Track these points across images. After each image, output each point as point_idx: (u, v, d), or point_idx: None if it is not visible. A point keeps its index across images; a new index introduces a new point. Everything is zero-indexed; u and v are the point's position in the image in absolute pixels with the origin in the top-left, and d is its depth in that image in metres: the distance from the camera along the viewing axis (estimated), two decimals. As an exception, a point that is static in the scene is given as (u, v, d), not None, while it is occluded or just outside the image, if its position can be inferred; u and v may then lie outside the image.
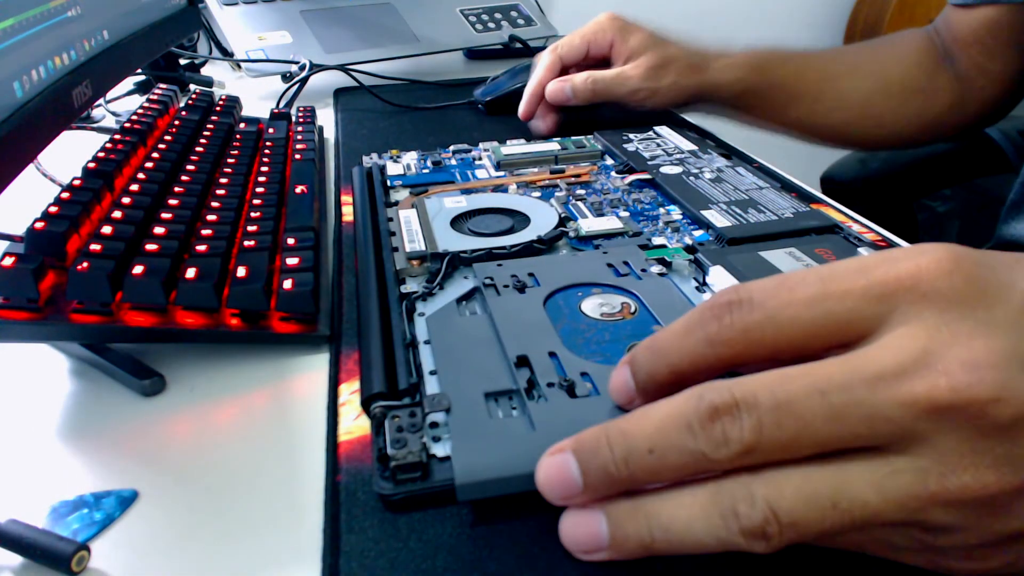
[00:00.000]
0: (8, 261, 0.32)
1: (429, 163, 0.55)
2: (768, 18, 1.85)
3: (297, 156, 0.53)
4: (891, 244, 0.42)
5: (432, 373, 0.30)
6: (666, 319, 0.33)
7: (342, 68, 0.79)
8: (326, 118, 0.72)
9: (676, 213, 0.45)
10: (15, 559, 0.24)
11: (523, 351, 0.30)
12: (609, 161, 0.55)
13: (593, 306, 0.34)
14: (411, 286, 0.37)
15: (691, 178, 0.49)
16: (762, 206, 0.44)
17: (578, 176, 0.51)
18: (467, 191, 0.49)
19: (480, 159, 0.55)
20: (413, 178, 0.52)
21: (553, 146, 0.55)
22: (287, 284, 0.35)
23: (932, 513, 0.19)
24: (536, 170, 0.53)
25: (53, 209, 0.38)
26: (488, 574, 0.23)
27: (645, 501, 0.21)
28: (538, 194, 0.48)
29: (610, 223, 0.43)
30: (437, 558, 0.24)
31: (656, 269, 0.37)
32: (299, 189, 0.47)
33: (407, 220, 0.43)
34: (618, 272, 0.37)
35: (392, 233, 0.42)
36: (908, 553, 0.21)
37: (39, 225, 0.36)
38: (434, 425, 0.27)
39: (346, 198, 0.51)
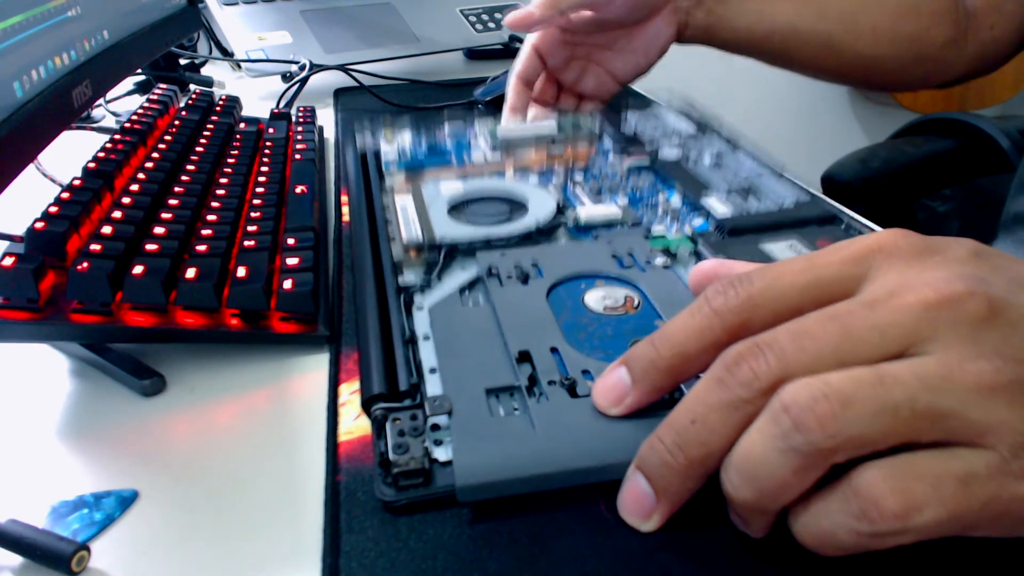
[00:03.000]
0: (8, 261, 0.32)
1: (424, 143, 0.53)
2: None
3: (297, 156, 0.53)
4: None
5: (432, 371, 0.30)
6: (668, 313, 0.32)
7: (342, 68, 0.79)
8: (326, 118, 0.72)
9: (676, 199, 0.44)
10: (15, 559, 0.24)
11: (525, 346, 0.30)
12: (608, 142, 0.53)
13: (596, 299, 0.34)
14: (409, 277, 0.37)
15: (690, 163, 0.48)
16: (763, 193, 0.43)
17: (575, 158, 0.50)
18: (464, 176, 0.48)
19: (476, 138, 0.54)
20: (408, 162, 0.50)
21: (551, 125, 0.54)
22: (287, 284, 0.35)
23: (968, 405, 0.20)
24: (533, 151, 0.51)
25: (53, 209, 0.38)
26: (488, 574, 0.23)
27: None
28: (535, 178, 0.48)
29: (609, 211, 0.42)
30: (437, 558, 0.24)
31: (660, 260, 0.37)
32: (299, 189, 0.47)
33: (404, 208, 0.43)
34: (622, 263, 0.36)
35: (388, 222, 0.41)
36: (985, 483, 0.20)
37: (39, 225, 0.36)
38: (436, 428, 0.27)
39: (346, 198, 0.51)
